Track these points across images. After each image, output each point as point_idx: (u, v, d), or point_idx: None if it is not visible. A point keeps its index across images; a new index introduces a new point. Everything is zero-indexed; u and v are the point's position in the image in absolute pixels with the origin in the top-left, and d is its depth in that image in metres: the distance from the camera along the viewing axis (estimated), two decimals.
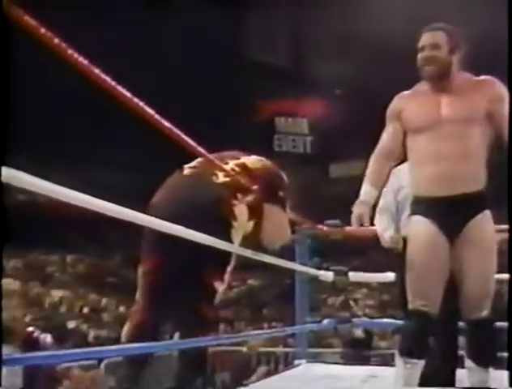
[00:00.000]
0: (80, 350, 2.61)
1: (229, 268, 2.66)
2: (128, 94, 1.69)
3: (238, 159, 2.79)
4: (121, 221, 1.88)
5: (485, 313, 2.36)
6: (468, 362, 2.39)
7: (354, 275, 4.24)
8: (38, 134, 18.20)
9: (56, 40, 1.34)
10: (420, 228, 2.46)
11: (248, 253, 2.73)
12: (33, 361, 2.63)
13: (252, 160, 2.82)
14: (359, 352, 5.67)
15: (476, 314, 2.37)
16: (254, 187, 2.66)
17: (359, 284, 13.28)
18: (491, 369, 2.34)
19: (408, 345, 2.45)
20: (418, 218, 2.48)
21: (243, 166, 2.75)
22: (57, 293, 14.55)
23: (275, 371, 4.94)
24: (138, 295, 2.65)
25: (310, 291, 4.42)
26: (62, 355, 2.54)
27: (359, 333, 5.70)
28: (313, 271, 4.05)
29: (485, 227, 2.40)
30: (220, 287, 2.63)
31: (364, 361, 5.47)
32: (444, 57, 2.44)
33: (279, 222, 2.84)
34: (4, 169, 1.27)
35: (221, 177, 2.62)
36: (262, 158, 2.89)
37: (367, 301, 14.12)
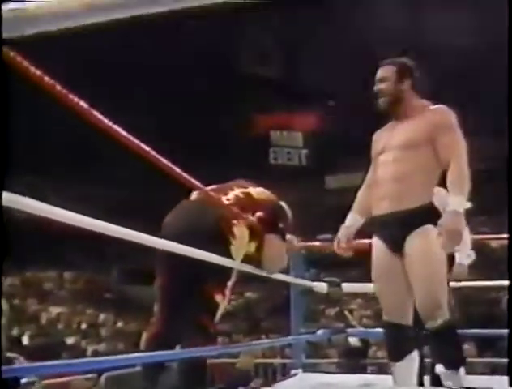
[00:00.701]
0: (77, 361, 2.73)
1: (230, 283, 2.87)
2: (124, 133, 1.82)
3: (245, 188, 3.04)
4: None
5: (439, 322, 2.42)
6: (439, 367, 2.48)
7: (347, 286, 4.32)
8: (35, 150, 18.27)
9: (58, 87, 1.48)
10: (374, 246, 2.66)
11: (248, 268, 2.96)
12: (32, 371, 2.73)
13: (257, 191, 3.05)
14: (355, 361, 5.73)
15: (431, 323, 2.44)
16: (258, 214, 2.92)
17: (355, 295, 13.32)
18: (462, 370, 2.41)
19: (387, 350, 2.65)
20: (374, 236, 2.68)
21: (247, 194, 3.00)
22: (54, 310, 14.55)
23: (274, 382, 5.00)
24: (155, 307, 2.87)
25: (307, 302, 4.50)
26: (59, 365, 2.68)
27: (355, 342, 5.76)
28: (306, 282, 4.14)
29: (423, 240, 2.46)
30: (222, 301, 2.82)
31: (360, 370, 5.54)
32: (390, 88, 2.61)
33: (277, 252, 3.07)
34: (5, 194, 1.37)
35: (224, 201, 2.84)
36: (266, 191, 3.11)
37: (363, 312, 14.15)
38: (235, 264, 2.85)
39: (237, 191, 2.98)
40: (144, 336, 2.91)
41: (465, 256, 3.45)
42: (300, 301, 4.49)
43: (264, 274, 3.13)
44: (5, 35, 0.97)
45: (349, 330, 4.59)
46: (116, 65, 18.75)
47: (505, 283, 3.56)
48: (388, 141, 2.64)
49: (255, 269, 3.02)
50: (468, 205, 2.32)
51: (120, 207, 20.86)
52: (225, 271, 2.81)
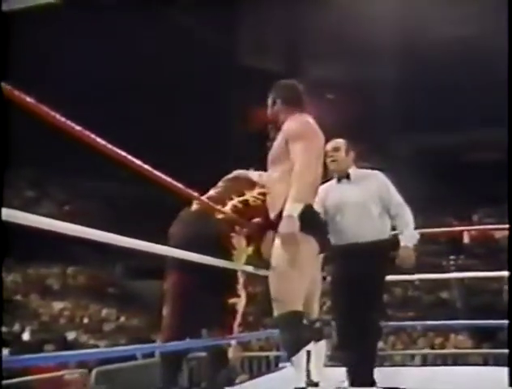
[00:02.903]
0: (68, 353, 2.77)
1: (239, 285, 3.25)
2: (118, 150, 1.95)
3: (243, 194, 3.30)
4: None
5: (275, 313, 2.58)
6: None
7: None
8: (37, 146, 18.30)
9: (57, 116, 1.64)
10: None
11: (250, 269, 3.26)
12: (30, 362, 2.86)
13: (254, 198, 3.30)
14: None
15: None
16: (256, 219, 3.19)
17: None
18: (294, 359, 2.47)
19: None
20: None
21: (244, 202, 3.27)
22: (57, 305, 14.60)
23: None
24: (164, 311, 3.13)
25: None
26: (55, 356, 2.83)
27: None
28: None
29: (276, 240, 2.60)
30: (238, 301, 3.22)
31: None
32: (269, 114, 2.88)
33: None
34: (4, 210, 1.44)
35: (222, 213, 3.13)
36: (264, 190, 3.23)
37: None
38: (237, 266, 3.17)
39: (235, 200, 3.24)
40: (159, 341, 3.26)
41: (409, 238, 3.29)
42: None
43: (263, 273, 3.36)
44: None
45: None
46: (111, 56, 18.74)
47: (505, 274, 3.50)
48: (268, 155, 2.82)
49: (256, 269, 3.25)
50: (299, 208, 2.46)
51: (128, 203, 20.95)
52: (232, 278, 3.17)
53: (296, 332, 2.49)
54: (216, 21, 19.56)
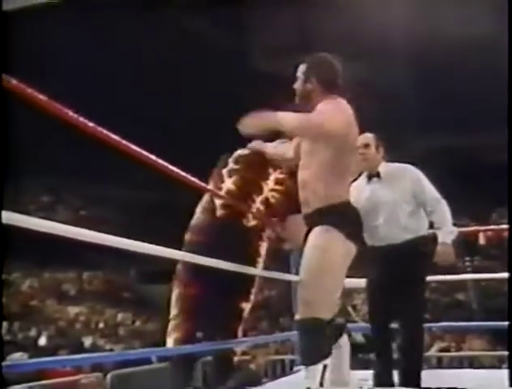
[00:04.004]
0: (79, 356, 2.80)
1: (253, 290, 3.21)
2: (132, 146, 1.95)
3: (261, 189, 3.16)
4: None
5: (297, 317, 2.43)
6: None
7: (349, 282, 4.27)
8: (53, 153, 18.44)
9: (69, 113, 1.64)
10: None
11: (268, 274, 3.29)
12: (33, 366, 2.88)
13: (272, 192, 3.17)
14: (360, 357, 5.71)
15: (296, 315, 2.47)
16: (275, 218, 3.15)
17: (358, 290, 13.22)
18: (315, 368, 2.38)
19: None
20: None
21: (266, 202, 3.15)
22: (73, 310, 14.69)
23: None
24: (174, 312, 3.09)
25: None
26: (61, 360, 2.83)
27: (359, 338, 5.74)
28: (292, 277, 4.15)
29: (310, 238, 2.46)
30: (246, 305, 3.18)
31: (364, 365, 5.51)
32: (299, 87, 2.62)
33: (299, 230, 3.13)
34: (4, 213, 1.44)
35: (251, 221, 3.08)
36: (281, 177, 3.19)
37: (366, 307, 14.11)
38: (257, 271, 3.13)
39: (258, 202, 3.13)
40: (171, 340, 3.09)
41: (447, 234, 3.07)
42: None
43: (282, 277, 3.47)
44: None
45: (350, 325, 4.55)
46: (126, 60, 18.83)
47: (505, 275, 3.39)
48: (302, 144, 2.65)
49: (272, 273, 3.29)
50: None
51: (139, 207, 21.01)
52: (249, 283, 3.14)
53: (317, 342, 2.37)
54: (225, 21, 19.61)
